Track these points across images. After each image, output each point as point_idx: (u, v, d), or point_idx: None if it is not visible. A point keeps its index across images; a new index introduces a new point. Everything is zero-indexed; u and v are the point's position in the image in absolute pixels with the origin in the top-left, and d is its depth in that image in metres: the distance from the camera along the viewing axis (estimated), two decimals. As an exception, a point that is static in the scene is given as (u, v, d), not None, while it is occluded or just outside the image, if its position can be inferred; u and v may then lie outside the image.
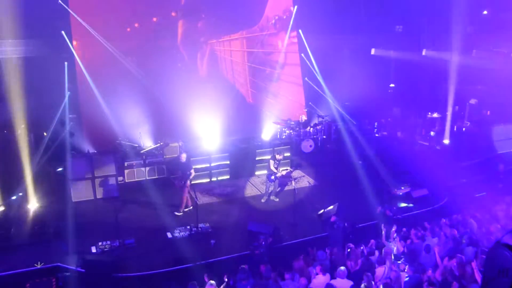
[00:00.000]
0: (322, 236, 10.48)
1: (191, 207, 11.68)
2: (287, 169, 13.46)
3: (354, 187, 13.07)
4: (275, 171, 12.30)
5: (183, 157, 11.73)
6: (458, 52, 15.80)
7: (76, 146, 14.41)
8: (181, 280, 8.72)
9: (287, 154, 14.97)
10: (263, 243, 9.40)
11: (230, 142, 15.17)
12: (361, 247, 9.18)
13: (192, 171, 11.69)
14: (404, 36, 18.49)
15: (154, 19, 16.35)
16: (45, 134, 14.54)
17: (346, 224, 9.93)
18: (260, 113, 17.39)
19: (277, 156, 12.42)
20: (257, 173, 14.52)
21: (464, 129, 16.49)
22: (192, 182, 13.61)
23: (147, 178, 13.57)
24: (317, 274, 7.88)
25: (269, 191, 12.57)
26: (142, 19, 16.05)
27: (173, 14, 16.76)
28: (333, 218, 10.09)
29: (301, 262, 8.60)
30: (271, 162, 12.37)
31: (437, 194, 12.78)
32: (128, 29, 15.98)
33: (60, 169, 13.81)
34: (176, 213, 11.51)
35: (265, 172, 13.15)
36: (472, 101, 16.97)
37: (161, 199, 11.99)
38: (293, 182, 12.22)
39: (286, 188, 13.28)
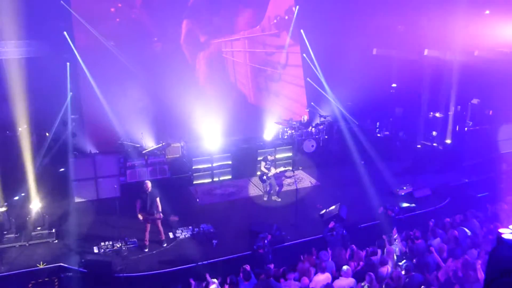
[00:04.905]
0: (323, 236, 10.46)
1: (165, 244, 10.27)
2: (282, 169, 13.54)
3: (356, 187, 13.08)
4: (266, 171, 12.49)
5: (149, 185, 10.01)
6: (459, 52, 15.77)
7: (78, 146, 14.47)
8: (183, 280, 8.71)
9: (289, 154, 15.03)
10: (266, 241, 9.40)
11: (232, 142, 15.18)
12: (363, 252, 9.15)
13: (158, 199, 10.08)
14: (405, 35, 18.46)
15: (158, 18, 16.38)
16: (47, 134, 14.58)
17: (344, 232, 9.86)
18: (262, 113, 17.39)
19: (269, 157, 12.71)
20: (259, 173, 14.52)
21: (466, 129, 16.44)
22: (194, 183, 13.75)
23: (149, 178, 13.56)
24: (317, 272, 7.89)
25: (267, 190, 12.71)
26: (145, 19, 16.07)
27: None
28: (331, 224, 9.96)
29: (304, 263, 8.57)
30: (262, 163, 12.69)
31: (439, 194, 12.78)
32: (130, 30, 15.99)
33: (62, 169, 13.85)
34: (165, 245, 10.27)
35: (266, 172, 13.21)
36: (474, 101, 16.92)
37: (163, 199, 11.99)
38: (287, 179, 12.25)
39: (288, 188, 13.30)
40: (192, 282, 7.93)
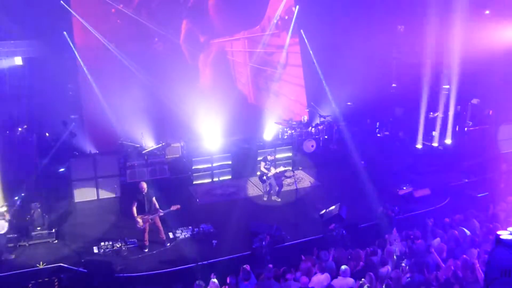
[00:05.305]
0: (323, 237, 10.47)
1: (168, 244, 10.30)
2: (282, 169, 13.56)
3: (356, 187, 13.08)
4: (265, 171, 12.50)
5: (145, 186, 9.96)
6: (459, 52, 15.76)
7: (78, 146, 14.47)
8: (183, 280, 8.72)
9: (289, 154, 15.02)
10: (264, 243, 9.41)
11: (232, 142, 15.20)
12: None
13: (154, 199, 10.10)
14: (405, 36, 18.48)
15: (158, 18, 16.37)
16: (47, 134, 14.59)
17: (344, 232, 9.88)
18: (262, 113, 17.39)
19: (269, 157, 12.71)
20: (258, 173, 14.53)
21: (466, 129, 16.44)
22: (194, 183, 13.76)
23: (149, 178, 13.58)
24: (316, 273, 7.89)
25: (267, 190, 12.73)
26: (145, 20, 16.06)
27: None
28: (332, 226, 9.99)
29: (307, 263, 8.56)
30: (262, 163, 12.67)
31: (439, 194, 12.78)
32: (130, 29, 15.99)
33: (62, 169, 13.86)
34: (168, 244, 10.29)
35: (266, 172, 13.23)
36: (474, 101, 16.91)
37: (163, 199, 11.98)
38: (287, 179, 12.23)
39: (288, 188, 13.30)
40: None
